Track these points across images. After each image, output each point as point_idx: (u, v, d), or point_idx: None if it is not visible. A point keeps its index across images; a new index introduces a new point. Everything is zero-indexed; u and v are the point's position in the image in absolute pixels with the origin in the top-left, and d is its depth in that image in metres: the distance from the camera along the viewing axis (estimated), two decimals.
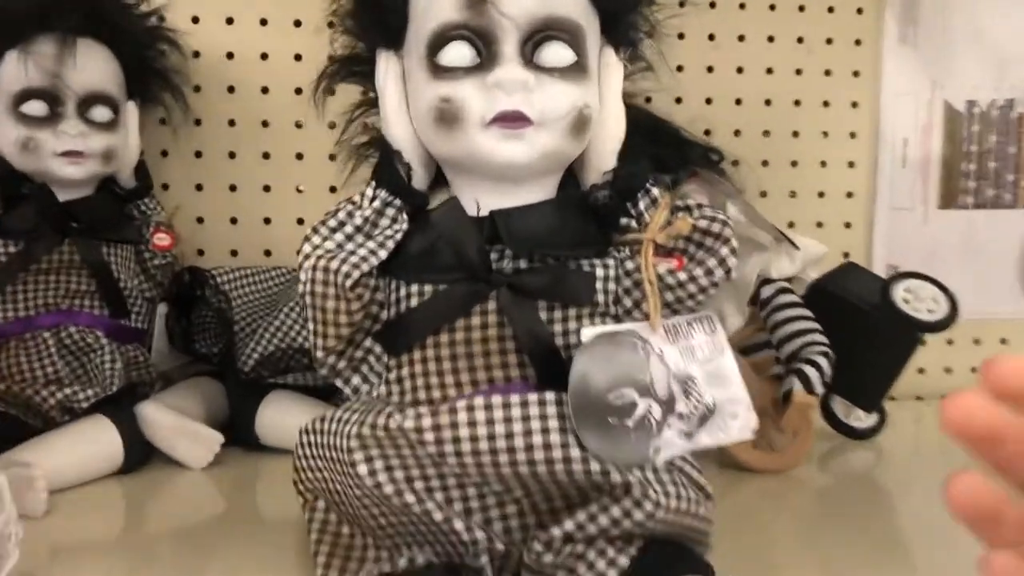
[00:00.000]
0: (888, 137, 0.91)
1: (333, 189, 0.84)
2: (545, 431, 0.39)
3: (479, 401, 0.40)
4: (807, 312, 0.70)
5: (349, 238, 0.43)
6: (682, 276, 0.43)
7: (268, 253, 0.84)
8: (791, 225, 0.88)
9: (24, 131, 0.65)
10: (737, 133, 0.89)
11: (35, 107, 0.65)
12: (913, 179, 0.92)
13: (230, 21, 0.82)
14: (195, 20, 0.81)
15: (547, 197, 0.44)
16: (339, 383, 0.45)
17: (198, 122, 0.82)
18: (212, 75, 0.82)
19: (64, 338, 0.67)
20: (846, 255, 0.90)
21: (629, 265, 0.44)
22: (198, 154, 0.83)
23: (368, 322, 0.44)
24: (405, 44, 0.45)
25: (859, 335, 0.71)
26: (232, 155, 0.84)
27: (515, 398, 0.40)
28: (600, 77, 0.45)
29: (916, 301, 0.70)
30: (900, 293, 0.70)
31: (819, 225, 0.91)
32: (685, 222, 0.42)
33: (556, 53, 0.42)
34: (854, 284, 0.73)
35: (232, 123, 0.83)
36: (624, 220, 0.44)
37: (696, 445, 0.41)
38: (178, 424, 0.67)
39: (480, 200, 0.43)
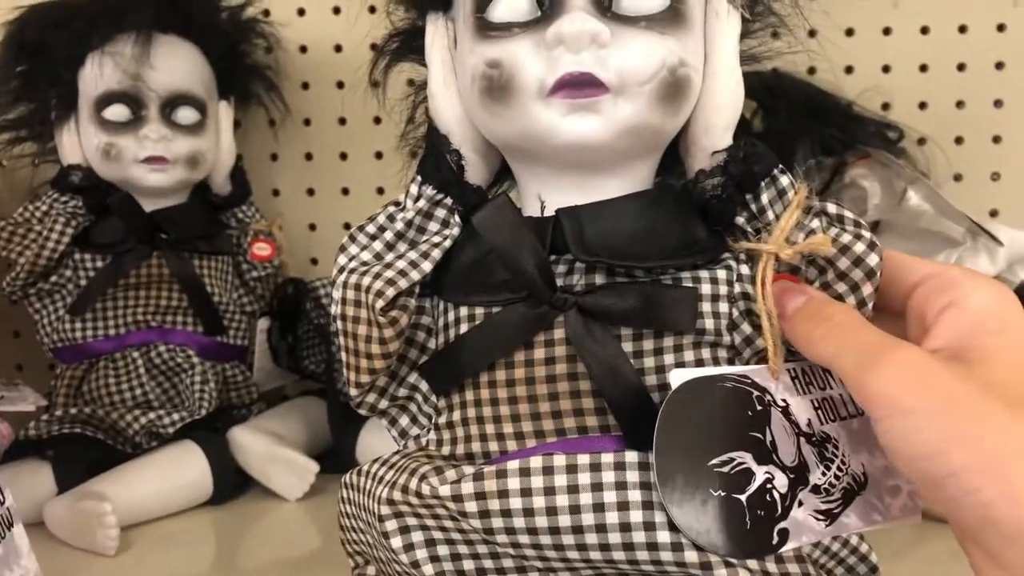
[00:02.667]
0: None
1: None
2: (623, 506, 0.29)
3: (536, 463, 0.30)
4: None
5: (390, 247, 0.35)
6: None
7: None
8: (993, 214, 0.75)
9: (105, 138, 0.61)
10: (923, 106, 0.76)
11: (117, 111, 0.61)
12: None
13: (336, 11, 0.76)
14: (301, 12, 0.76)
15: (637, 190, 0.34)
16: (385, 424, 0.37)
17: (307, 122, 0.78)
18: (320, 70, 0.77)
19: (154, 357, 0.64)
20: None
21: (747, 287, 0.33)
22: (308, 156, 0.79)
23: (414, 352, 0.35)
24: (454, 2, 0.36)
25: None
26: (344, 156, 0.78)
27: (584, 459, 0.30)
28: (706, 29, 0.34)
29: None
30: None
31: None
32: (825, 238, 0.31)
33: None
34: None
35: (343, 121, 0.78)
36: (740, 220, 0.34)
37: (841, 530, 0.30)
38: (270, 451, 0.63)
39: (545, 196, 0.33)
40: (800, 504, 0.30)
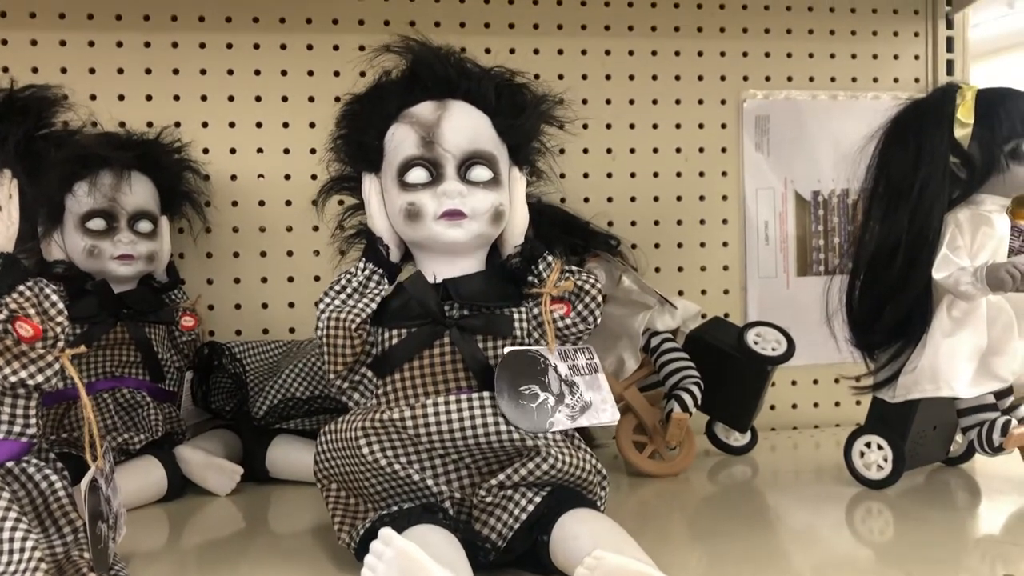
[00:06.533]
0: (753, 222, 1.15)
1: (317, 278, 1.05)
2: (484, 416, 0.60)
3: (441, 400, 0.61)
4: (684, 355, 0.92)
5: (349, 296, 0.64)
6: (568, 321, 0.65)
7: (266, 331, 1.04)
8: (680, 293, 1.08)
9: (89, 241, 0.86)
10: (633, 224, 1.11)
11: (97, 223, 0.86)
12: (775, 254, 1.16)
13: (233, 151, 1.03)
14: (205, 151, 1.02)
15: (479, 267, 0.66)
16: (344, 398, 0.66)
17: (208, 230, 1.03)
18: (219, 193, 1.03)
19: (119, 397, 0.86)
20: (726, 315, 1.11)
21: (535, 311, 0.66)
22: (209, 255, 1.03)
23: (364, 356, 0.65)
24: (382, 169, 0.67)
25: (726, 371, 0.93)
26: (236, 255, 1.04)
27: (463, 397, 0.61)
28: (509, 186, 0.68)
29: (764, 342, 0.93)
30: (752, 337, 0.93)
31: (703, 292, 1.13)
32: (570, 282, 0.65)
33: (480, 172, 0.65)
34: (719, 333, 0.96)
35: (236, 230, 1.04)
36: (530, 278, 0.66)
37: (578, 424, 0.63)
38: (206, 460, 0.86)
39: (436, 272, 0.65)
40: (560, 412, 0.62)
